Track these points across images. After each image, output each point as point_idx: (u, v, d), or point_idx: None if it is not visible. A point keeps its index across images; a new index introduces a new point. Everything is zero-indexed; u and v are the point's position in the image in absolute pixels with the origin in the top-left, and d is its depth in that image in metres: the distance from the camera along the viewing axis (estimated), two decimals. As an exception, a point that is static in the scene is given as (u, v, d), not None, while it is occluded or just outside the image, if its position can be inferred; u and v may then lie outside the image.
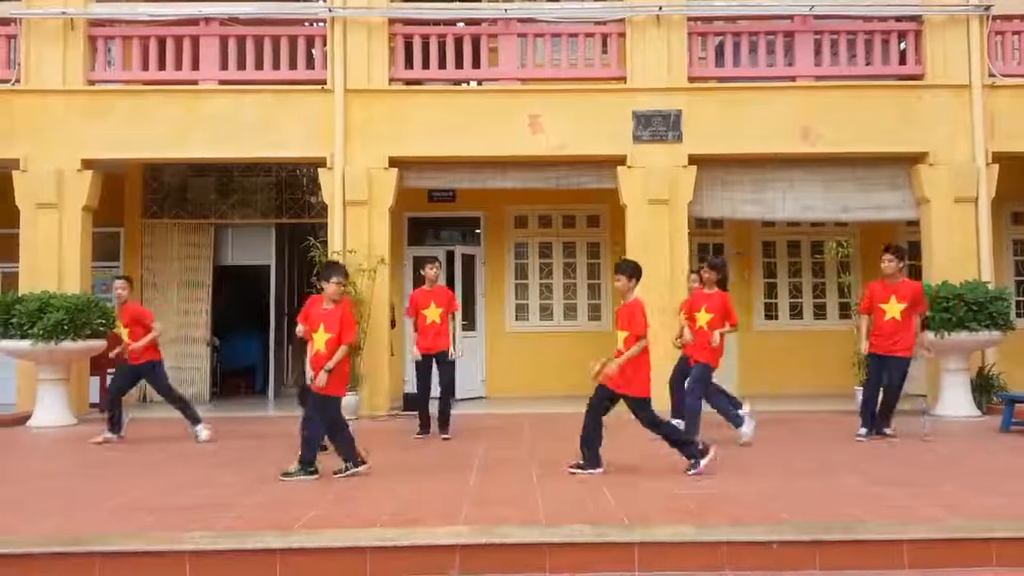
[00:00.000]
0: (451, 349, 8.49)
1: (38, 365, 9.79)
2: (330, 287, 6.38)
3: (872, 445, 7.71)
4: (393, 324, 11.10)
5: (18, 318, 9.51)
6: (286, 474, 6.17)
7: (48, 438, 8.86)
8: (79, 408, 10.17)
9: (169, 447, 8.13)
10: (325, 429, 6.37)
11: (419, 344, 8.39)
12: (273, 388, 13.31)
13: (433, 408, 8.55)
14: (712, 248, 12.76)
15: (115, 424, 8.35)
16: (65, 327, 9.41)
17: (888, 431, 8.03)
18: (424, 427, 8.54)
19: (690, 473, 6.12)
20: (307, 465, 6.22)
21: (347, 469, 6.23)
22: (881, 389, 8.10)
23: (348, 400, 10.15)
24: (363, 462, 6.31)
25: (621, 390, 6.19)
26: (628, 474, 6.26)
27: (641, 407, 6.22)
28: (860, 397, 8.59)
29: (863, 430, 8.01)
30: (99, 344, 9.94)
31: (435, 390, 8.53)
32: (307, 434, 6.27)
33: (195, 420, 8.41)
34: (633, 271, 6.36)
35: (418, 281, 10.12)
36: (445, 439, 8.21)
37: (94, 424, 9.05)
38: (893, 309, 7.90)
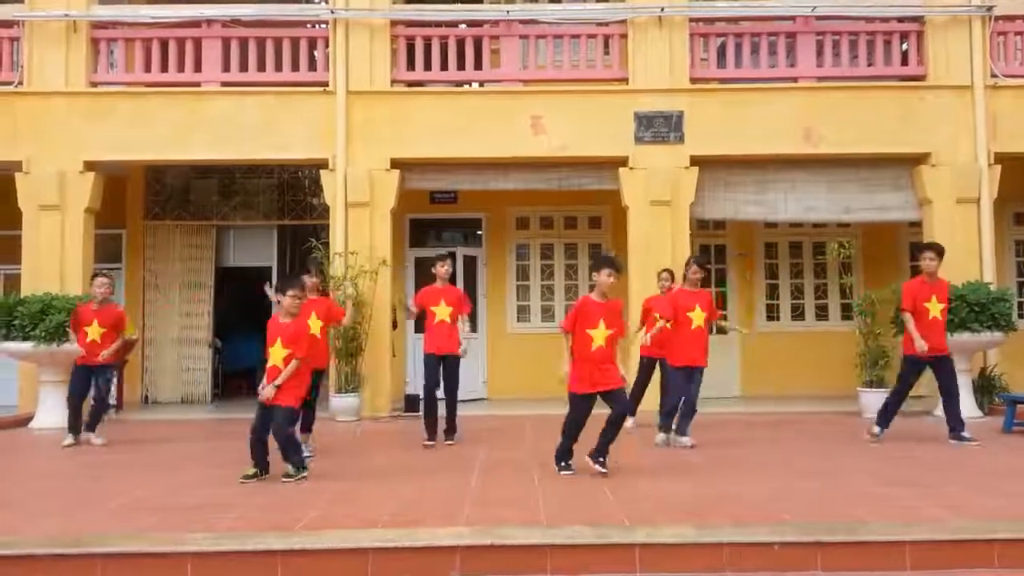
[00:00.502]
0: (461, 342, 8.08)
1: (40, 367, 9.80)
2: (285, 300, 6.26)
3: (872, 446, 7.68)
4: (395, 325, 11.08)
5: (20, 320, 9.52)
6: (286, 476, 6.14)
7: (50, 439, 8.84)
8: (81, 410, 10.18)
9: (170, 448, 8.14)
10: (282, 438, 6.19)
11: (427, 345, 8.00)
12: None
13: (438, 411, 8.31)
14: (714, 249, 12.75)
15: (76, 427, 8.27)
16: (67, 329, 9.42)
17: (967, 435, 7.66)
18: (431, 435, 8.03)
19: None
20: (300, 465, 6.20)
21: (254, 476, 6.12)
22: (902, 393, 7.89)
23: (350, 401, 10.23)
24: (257, 472, 6.18)
25: (618, 384, 6.23)
26: (629, 475, 6.25)
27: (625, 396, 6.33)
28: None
29: (877, 428, 7.84)
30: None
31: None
32: (281, 442, 6.19)
33: (93, 427, 8.32)
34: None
35: (420, 282, 10.05)
36: (449, 445, 8.03)
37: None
38: (935, 308, 7.81)
